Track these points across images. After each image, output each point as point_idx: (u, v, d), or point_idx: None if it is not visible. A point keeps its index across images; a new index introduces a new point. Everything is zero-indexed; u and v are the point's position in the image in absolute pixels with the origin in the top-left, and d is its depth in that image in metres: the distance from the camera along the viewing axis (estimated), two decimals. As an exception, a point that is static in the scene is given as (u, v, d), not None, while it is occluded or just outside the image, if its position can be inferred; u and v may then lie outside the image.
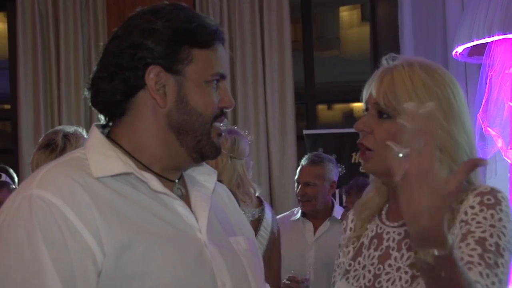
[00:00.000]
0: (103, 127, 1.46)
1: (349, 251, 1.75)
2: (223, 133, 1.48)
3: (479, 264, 1.45)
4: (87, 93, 1.45)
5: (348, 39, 6.64)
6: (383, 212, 1.73)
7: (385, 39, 5.75)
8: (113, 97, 1.40)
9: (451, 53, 4.45)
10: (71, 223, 1.27)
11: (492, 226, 1.50)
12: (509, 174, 4.23)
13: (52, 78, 5.37)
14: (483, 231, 1.49)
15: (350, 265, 1.72)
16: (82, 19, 5.41)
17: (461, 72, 5.05)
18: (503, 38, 4.04)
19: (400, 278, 1.60)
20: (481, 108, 4.15)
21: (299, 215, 4.07)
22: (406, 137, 1.16)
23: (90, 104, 1.45)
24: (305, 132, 5.27)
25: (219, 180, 1.58)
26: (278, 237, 3.35)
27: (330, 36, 6.74)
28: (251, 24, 5.40)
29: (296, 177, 4.03)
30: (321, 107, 6.38)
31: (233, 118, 5.31)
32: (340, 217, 3.91)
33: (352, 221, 1.80)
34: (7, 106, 5.68)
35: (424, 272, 1.26)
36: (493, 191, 1.56)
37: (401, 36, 5.29)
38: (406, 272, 1.60)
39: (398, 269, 1.62)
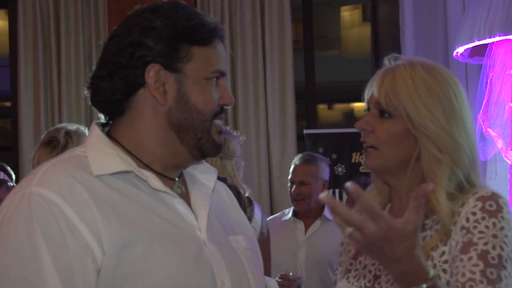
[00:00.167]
0: (103, 125, 1.46)
1: (350, 250, 1.74)
2: None
3: (481, 282, 1.45)
4: (86, 92, 1.44)
5: (349, 39, 6.64)
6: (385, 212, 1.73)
7: (386, 39, 5.74)
8: (112, 95, 1.39)
9: (452, 53, 4.44)
10: (71, 221, 1.27)
11: (495, 236, 1.50)
12: (509, 175, 4.23)
13: (52, 76, 5.36)
14: (486, 243, 1.49)
15: (351, 264, 1.71)
16: (83, 17, 5.40)
17: (461, 72, 5.04)
18: (504, 39, 4.03)
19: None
20: (481, 109, 4.14)
21: (290, 215, 4.09)
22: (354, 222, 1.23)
23: (90, 103, 1.45)
24: (305, 131, 5.25)
25: (220, 179, 1.58)
26: (267, 238, 3.33)
27: (331, 36, 6.74)
28: (252, 24, 5.39)
29: (290, 176, 4.04)
30: (322, 107, 6.38)
31: (233, 117, 5.31)
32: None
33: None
34: (8, 104, 5.67)
35: None
36: (494, 196, 1.55)
37: (402, 36, 5.27)
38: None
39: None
